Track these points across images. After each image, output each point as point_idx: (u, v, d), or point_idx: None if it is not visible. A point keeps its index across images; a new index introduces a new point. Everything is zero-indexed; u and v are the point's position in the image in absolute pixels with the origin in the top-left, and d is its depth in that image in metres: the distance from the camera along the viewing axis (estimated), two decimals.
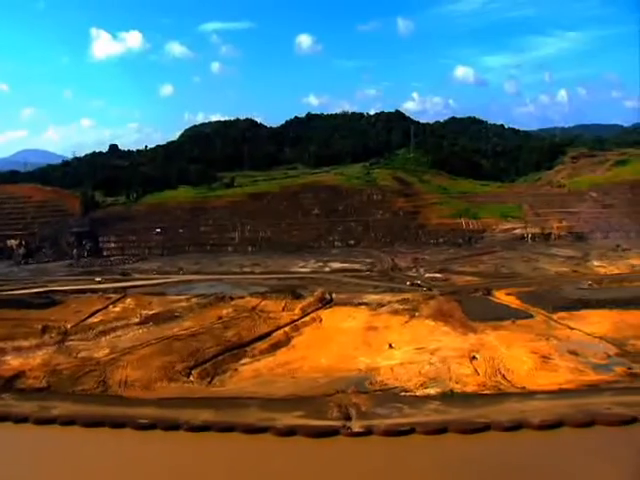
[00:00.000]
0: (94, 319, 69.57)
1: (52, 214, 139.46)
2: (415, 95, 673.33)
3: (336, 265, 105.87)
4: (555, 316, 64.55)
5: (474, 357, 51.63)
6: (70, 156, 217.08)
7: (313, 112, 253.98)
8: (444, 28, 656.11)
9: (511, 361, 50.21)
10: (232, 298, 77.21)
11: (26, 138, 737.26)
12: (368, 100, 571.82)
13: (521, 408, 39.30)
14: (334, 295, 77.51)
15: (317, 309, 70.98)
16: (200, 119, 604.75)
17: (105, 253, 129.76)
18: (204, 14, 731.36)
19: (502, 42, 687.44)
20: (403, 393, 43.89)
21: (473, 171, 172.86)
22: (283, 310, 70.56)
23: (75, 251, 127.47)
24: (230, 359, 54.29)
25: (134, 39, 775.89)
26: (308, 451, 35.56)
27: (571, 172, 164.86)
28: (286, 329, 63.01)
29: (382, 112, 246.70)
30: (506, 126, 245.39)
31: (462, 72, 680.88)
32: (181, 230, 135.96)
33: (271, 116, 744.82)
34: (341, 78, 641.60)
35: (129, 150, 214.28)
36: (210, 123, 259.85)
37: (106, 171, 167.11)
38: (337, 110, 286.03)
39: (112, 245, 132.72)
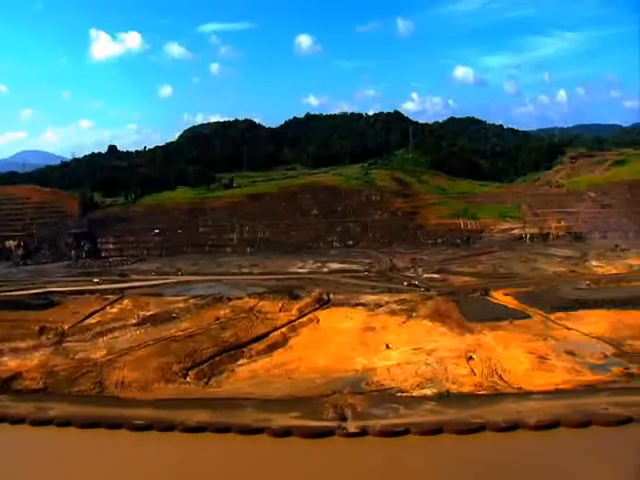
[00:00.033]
0: (91, 320, 69.56)
1: (51, 215, 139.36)
2: (415, 95, 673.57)
3: (334, 266, 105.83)
4: (552, 316, 64.55)
5: (471, 357, 51.66)
6: (69, 157, 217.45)
7: (312, 113, 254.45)
8: (444, 28, 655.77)
9: (508, 361, 50.23)
10: (230, 299, 77.18)
11: (26, 139, 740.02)
12: (367, 100, 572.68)
13: (517, 408, 39.35)
14: (332, 296, 77.49)
15: (314, 310, 70.94)
16: (199, 120, 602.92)
17: (103, 254, 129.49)
18: (203, 15, 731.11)
19: (502, 42, 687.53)
20: (399, 394, 43.90)
21: (472, 171, 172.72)
22: (280, 311, 70.51)
23: (73, 252, 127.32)
24: (227, 360, 54.31)
25: (133, 40, 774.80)
26: (303, 452, 35.58)
27: (570, 172, 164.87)
28: (283, 330, 63.04)
29: (381, 112, 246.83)
30: (505, 126, 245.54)
31: (462, 72, 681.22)
32: (179, 231, 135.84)
33: (271, 117, 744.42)
34: (341, 78, 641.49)
35: (128, 151, 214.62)
36: (209, 124, 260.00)
37: (105, 172, 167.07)
38: (336, 110, 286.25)
39: (110, 246, 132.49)
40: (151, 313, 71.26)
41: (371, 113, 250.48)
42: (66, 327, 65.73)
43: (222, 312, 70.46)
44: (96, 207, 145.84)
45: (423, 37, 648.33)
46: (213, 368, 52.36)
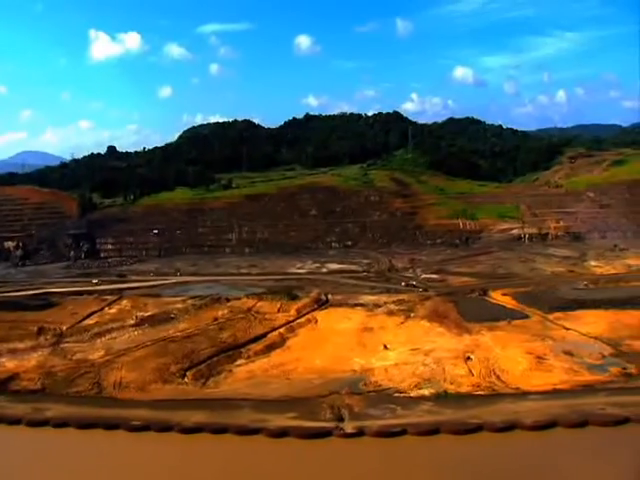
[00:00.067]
0: (90, 321, 69.54)
1: (49, 216, 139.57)
2: (414, 96, 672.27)
3: (333, 266, 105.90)
4: (551, 316, 64.49)
5: (469, 358, 51.57)
6: (68, 158, 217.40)
7: (312, 113, 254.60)
8: (443, 29, 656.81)
9: (506, 362, 50.15)
10: (228, 299, 77.15)
11: (25, 140, 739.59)
12: (367, 101, 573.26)
13: (514, 409, 39.26)
14: (330, 296, 77.54)
15: (313, 310, 70.95)
16: (199, 120, 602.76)
17: (102, 255, 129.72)
18: (202, 15, 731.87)
19: (501, 42, 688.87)
20: (397, 394, 43.82)
21: (471, 171, 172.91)
22: (279, 311, 70.46)
23: (72, 253, 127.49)
24: (225, 360, 54.25)
25: (133, 40, 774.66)
26: (300, 452, 35.52)
27: (569, 172, 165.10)
28: (281, 330, 63.02)
29: (380, 113, 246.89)
30: (504, 126, 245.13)
31: (461, 73, 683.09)
32: (178, 232, 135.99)
33: (270, 117, 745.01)
34: (340, 79, 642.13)
35: (127, 152, 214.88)
36: (208, 124, 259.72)
37: (104, 173, 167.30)
38: (336, 111, 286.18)
39: (109, 247, 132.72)
40: (149, 314, 71.22)
41: (370, 114, 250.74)
42: (64, 328, 65.67)
43: (220, 313, 70.43)
44: (95, 208, 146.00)
45: (422, 37, 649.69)
46: (211, 369, 52.27)
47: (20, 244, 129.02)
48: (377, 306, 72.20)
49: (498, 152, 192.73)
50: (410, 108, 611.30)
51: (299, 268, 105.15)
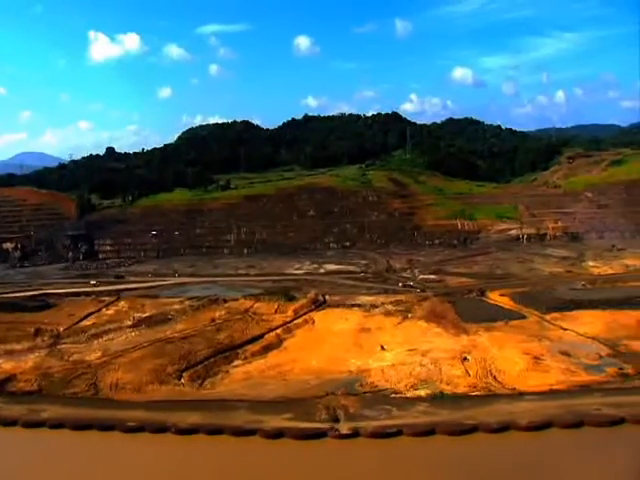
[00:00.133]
0: (87, 322, 69.44)
1: (48, 217, 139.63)
2: (413, 96, 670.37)
3: (331, 267, 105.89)
4: (548, 317, 64.38)
5: (465, 358, 51.51)
6: (67, 159, 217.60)
7: (310, 114, 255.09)
8: (442, 29, 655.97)
9: (502, 362, 50.08)
10: (225, 300, 77.05)
11: (25, 141, 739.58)
12: (366, 102, 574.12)
13: (510, 409, 39.17)
14: (327, 297, 77.43)
15: (310, 311, 70.85)
16: (198, 121, 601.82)
17: (101, 256, 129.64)
18: (202, 16, 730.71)
19: (500, 43, 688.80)
20: (393, 395, 43.72)
21: (469, 172, 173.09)
22: (276, 312, 70.39)
23: (70, 254, 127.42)
24: (221, 361, 54.17)
25: (132, 41, 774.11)
26: (295, 453, 35.50)
27: (567, 172, 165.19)
28: (278, 331, 62.95)
29: (379, 113, 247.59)
30: (503, 127, 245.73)
31: (460, 73, 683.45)
32: (177, 233, 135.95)
33: (270, 118, 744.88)
34: (339, 80, 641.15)
35: (126, 153, 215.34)
36: (207, 125, 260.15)
37: (102, 174, 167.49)
38: (335, 112, 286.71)
39: (108, 248, 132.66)
40: (147, 315, 71.16)
41: (369, 114, 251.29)
42: (61, 329, 65.61)
43: (217, 314, 70.38)
44: (93, 209, 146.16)
45: (421, 38, 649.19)
46: (207, 370, 52.19)
47: (18, 245, 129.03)
48: (374, 307, 72.10)
49: (497, 152, 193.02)
50: (409, 109, 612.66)
51: (297, 269, 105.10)
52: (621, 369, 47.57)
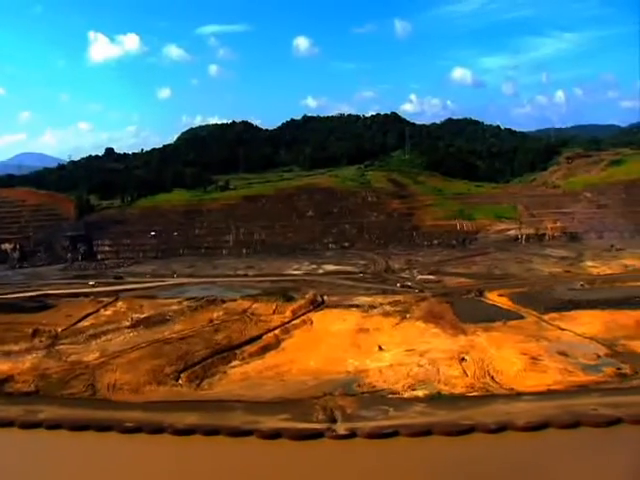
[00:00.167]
0: (85, 323, 69.40)
1: (47, 218, 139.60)
2: (413, 97, 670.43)
3: (330, 267, 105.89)
4: (546, 317, 64.40)
5: (463, 359, 51.50)
6: (66, 160, 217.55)
7: (310, 114, 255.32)
8: (442, 29, 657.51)
9: (500, 362, 50.07)
10: (223, 301, 77.02)
11: (24, 141, 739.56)
12: (366, 102, 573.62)
13: (507, 410, 39.17)
14: (326, 297, 77.45)
15: (308, 311, 70.82)
16: (198, 122, 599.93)
17: (99, 257, 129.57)
18: (201, 17, 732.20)
19: (500, 43, 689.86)
20: (390, 395, 43.71)
21: (468, 172, 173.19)
22: (274, 313, 70.40)
23: (69, 255, 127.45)
24: (219, 362, 54.15)
25: (132, 42, 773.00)
26: (291, 453, 35.48)
27: (566, 172, 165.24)
28: (276, 332, 62.93)
29: (378, 114, 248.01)
30: (502, 127, 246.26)
31: (460, 73, 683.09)
32: (175, 233, 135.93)
33: (269, 119, 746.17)
34: (339, 80, 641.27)
35: (125, 153, 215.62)
36: (207, 126, 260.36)
37: (101, 175, 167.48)
38: (335, 112, 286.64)
39: (106, 248, 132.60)
40: (145, 315, 71.11)
41: (368, 115, 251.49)
42: (59, 330, 65.58)
43: (215, 314, 70.36)
44: (92, 210, 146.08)
45: (421, 38, 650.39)
46: (205, 370, 52.19)
47: (17, 246, 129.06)
48: (373, 307, 72.09)
49: (496, 153, 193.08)
50: (409, 109, 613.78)
51: (296, 269, 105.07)
52: (619, 369, 47.59)
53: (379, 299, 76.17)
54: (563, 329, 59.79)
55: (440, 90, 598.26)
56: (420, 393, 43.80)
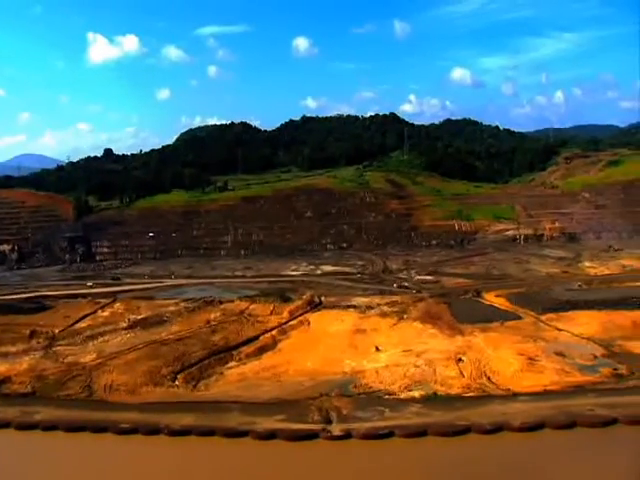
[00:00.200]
0: (82, 324, 69.38)
1: (45, 219, 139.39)
2: (412, 97, 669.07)
3: (328, 268, 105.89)
4: (544, 317, 64.46)
5: (460, 359, 51.51)
6: (65, 161, 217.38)
7: (309, 115, 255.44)
8: (441, 30, 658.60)
9: (497, 363, 50.09)
10: (221, 302, 77.06)
11: (24, 143, 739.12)
12: (366, 102, 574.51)
13: (503, 410, 39.18)
14: (323, 298, 77.45)
15: (305, 312, 70.83)
16: (197, 123, 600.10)
17: (98, 258, 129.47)
18: (200, 18, 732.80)
19: (499, 43, 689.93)
20: (386, 396, 43.71)
21: (467, 173, 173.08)
22: (271, 314, 70.42)
23: (68, 256, 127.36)
24: (216, 363, 54.17)
25: (131, 43, 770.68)
26: (287, 454, 35.49)
27: (565, 173, 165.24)
28: (273, 333, 62.95)
29: (377, 115, 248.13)
30: (501, 127, 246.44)
31: (459, 74, 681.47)
32: (174, 234, 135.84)
33: (269, 119, 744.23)
34: (339, 81, 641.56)
35: (124, 154, 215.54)
36: (205, 127, 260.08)
37: (100, 176, 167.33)
38: (334, 113, 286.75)
39: (105, 250, 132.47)
40: (142, 316, 71.07)
41: (367, 115, 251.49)
42: (56, 331, 65.56)
43: (213, 315, 70.33)
44: (91, 211, 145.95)
45: (420, 39, 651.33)
46: (202, 371, 52.19)
47: (16, 247, 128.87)
48: (370, 308, 72.10)
49: (494, 153, 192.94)
50: (408, 109, 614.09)
51: (294, 270, 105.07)
52: (615, 369, 47.64)
53: (376, 300, 76.16)
54: (560, 329, 59.84)
55: (439, 90, 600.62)
56: (416, 394, 43.79)
